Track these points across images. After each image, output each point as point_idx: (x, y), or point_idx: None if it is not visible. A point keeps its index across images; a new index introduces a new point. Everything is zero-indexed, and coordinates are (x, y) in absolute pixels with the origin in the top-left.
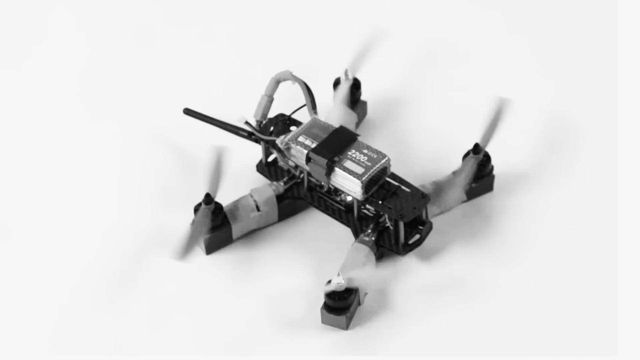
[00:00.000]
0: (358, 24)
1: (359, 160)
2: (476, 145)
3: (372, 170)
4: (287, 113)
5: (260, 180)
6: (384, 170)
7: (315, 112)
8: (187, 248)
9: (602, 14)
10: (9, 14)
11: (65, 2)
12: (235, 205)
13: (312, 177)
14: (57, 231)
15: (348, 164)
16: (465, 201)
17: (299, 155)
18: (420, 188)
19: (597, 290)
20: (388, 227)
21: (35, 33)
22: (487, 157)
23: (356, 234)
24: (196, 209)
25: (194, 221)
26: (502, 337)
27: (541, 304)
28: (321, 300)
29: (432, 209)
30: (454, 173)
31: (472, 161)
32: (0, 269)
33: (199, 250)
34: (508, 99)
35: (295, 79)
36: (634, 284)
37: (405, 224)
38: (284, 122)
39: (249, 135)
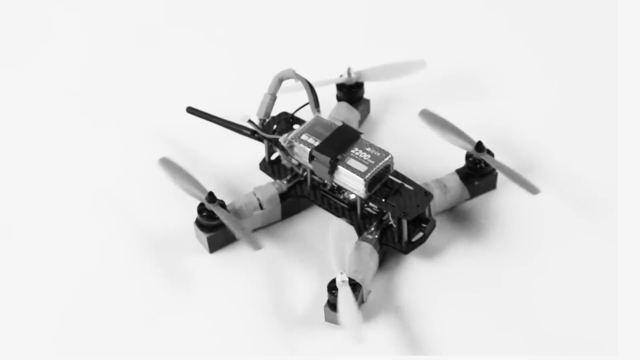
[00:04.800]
0: (360, 23)
1: (362, 158)
2: (479, 144)
3: (375, 168)
4: (290, 111)
5: (264, 178)
6: (387, 168)
7: (318, 110)
8: (248, 239)
9: (602, 14)
10: (11, 15)
11: (66, 3)
12: (239, 203)
13: (315, 175)
14: (59, 231)
15: (351, 162)
16: (468, 199)
17: (302, 153)
18: (424, 186)
19: (597, 290)
20: (391, 225)
21: (37, 33)
22: (490, 156)
23: (359, 232)
24: (200, 210)
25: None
26: (503, 336)
27: (542, 304)
28: (324, 298)
29: (433, 206)
30: (457, 172)
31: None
32: (0, 270)
33: (202, 249)
34: (424, 109)
35: (298, 77)
36: (634, 284)
37: (408, 222)
38: (287, 120)
39: (252, 134)
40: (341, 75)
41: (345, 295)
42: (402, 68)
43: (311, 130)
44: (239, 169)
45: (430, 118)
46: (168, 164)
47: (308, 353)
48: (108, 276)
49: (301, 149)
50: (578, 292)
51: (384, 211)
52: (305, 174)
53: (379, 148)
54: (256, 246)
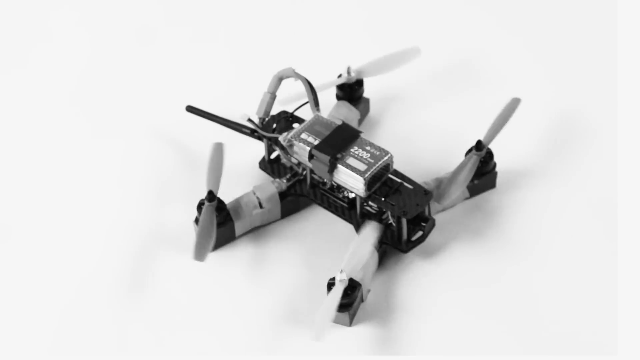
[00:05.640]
0: (360, 21)
1: (362, 157)
2: (478, 143)
3: (374, 167)
4: (290, 110)
5: (263, 177)
6: (387, 167)
7: (318, 109)
8: (201, 249)
9: (603, 13)
10: (12, 14)
11: (66, 2)
12: (238, 202)
13: (314, 174)
14: (59, 230)
15: (351, 160)
16: (467, 198)
17: (301, 152)
18: (423, 185)
19: (597, 290)
20: (391, 224)
21: (37, 33)
22: (489, 154)
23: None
24: (199, 206)
25: (199, 221)
26: (503, 336)
27: (541, 303)
28: (324, 297)
29: (433, 205)
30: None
31: (474, 159)
32: (1, 270)
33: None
34: (520, 99)
35: (298, 76)
36: (634, 284)
37: (408, 221)
38: (287, 119)
39: (252, 133)
40: (340, 75)
41: (335, 293)
42: (397, 58)
43: (311, 129)
44: (238, 168)
45: (509, 106)
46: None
47: (308, 353)
48: (107, 275)
49: (301, 148)
50: (578, 292)
51: (384, 210)
52: (304, 172)
53: (379, 147)
54: (198, 257)
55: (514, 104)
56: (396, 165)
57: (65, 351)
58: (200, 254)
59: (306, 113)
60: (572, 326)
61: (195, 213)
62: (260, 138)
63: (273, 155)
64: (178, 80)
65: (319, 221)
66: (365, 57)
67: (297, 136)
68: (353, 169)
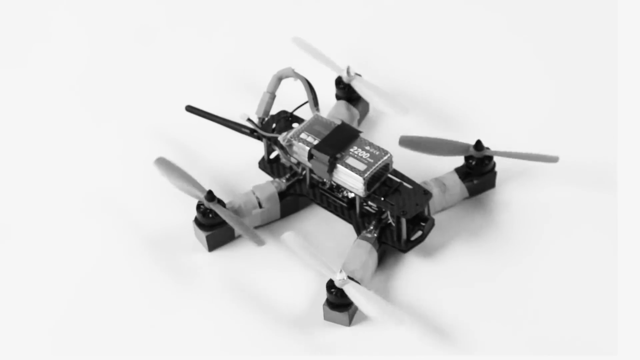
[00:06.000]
0: (360, 21)
1: (361, 157)
2: (478, 142)
3: (374, 167)
4: (290, 110)
5: (263, 177)
6: (386, 167)
7: (318, 109)
8: (252, 236)
9: (603, 14)
10: (11, 14)
11: (66, 2)
12: (238, 202)
13: (314, 174)
14: (59, 230)
15: (350, 160)
16: (467, 198)
17: (301, 152)
18: (423, 185)
19: (597, 290)
20: (390, 223)
21: (37, 32)
22: (489, 155)
23: (358, 231)
24: (199, 206)
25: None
26: (502, 336)
27: (541, 303)
28: (323, 296)
29: (432, 205)
30: (456, 170)
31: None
32: (0, 269)
33: (202, 248)
34: (558, 159)
35: (298, 75)
36: (634, 283)
37: (407, 221)
38: (286, 119)
39: (251, 132)
40: (340, 77)
41: (354, 290)
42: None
43: (310, 128)
44: (238, 168)
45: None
46: (164, 164)
47: (307, 352)
48: (107, 275)
49: (300, 148)
50: (578, 292)
51: (383, 210)
52: (304, 172)
53: (378, 147)
54: (259, 242)
55: (549, 157)
56: (396, 165)
57: (66, 351)
58: (256, 238)
59: (306, 113)
60: (571, 326)
61: (194, 213)
62: (259, 138)
63: (272, 155)
64: (178, 80)
65: (319, 221)
66: (366, 58)
67: (297, 136)
68: (352, 169)
